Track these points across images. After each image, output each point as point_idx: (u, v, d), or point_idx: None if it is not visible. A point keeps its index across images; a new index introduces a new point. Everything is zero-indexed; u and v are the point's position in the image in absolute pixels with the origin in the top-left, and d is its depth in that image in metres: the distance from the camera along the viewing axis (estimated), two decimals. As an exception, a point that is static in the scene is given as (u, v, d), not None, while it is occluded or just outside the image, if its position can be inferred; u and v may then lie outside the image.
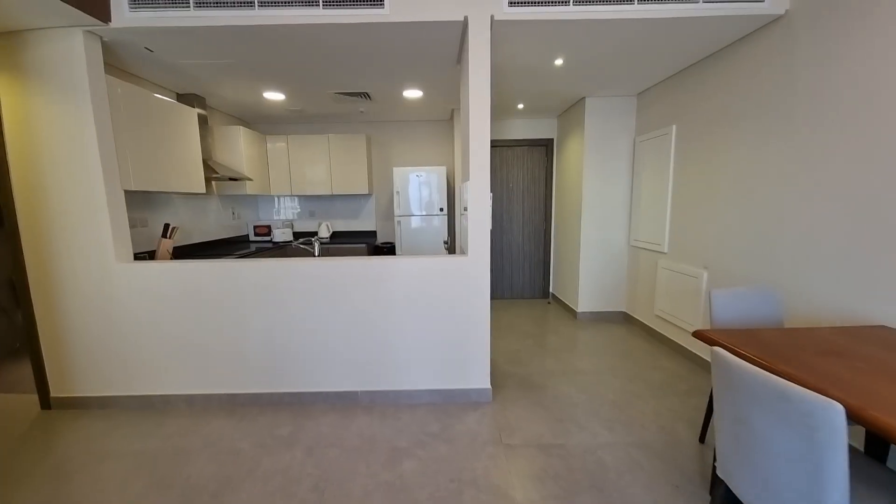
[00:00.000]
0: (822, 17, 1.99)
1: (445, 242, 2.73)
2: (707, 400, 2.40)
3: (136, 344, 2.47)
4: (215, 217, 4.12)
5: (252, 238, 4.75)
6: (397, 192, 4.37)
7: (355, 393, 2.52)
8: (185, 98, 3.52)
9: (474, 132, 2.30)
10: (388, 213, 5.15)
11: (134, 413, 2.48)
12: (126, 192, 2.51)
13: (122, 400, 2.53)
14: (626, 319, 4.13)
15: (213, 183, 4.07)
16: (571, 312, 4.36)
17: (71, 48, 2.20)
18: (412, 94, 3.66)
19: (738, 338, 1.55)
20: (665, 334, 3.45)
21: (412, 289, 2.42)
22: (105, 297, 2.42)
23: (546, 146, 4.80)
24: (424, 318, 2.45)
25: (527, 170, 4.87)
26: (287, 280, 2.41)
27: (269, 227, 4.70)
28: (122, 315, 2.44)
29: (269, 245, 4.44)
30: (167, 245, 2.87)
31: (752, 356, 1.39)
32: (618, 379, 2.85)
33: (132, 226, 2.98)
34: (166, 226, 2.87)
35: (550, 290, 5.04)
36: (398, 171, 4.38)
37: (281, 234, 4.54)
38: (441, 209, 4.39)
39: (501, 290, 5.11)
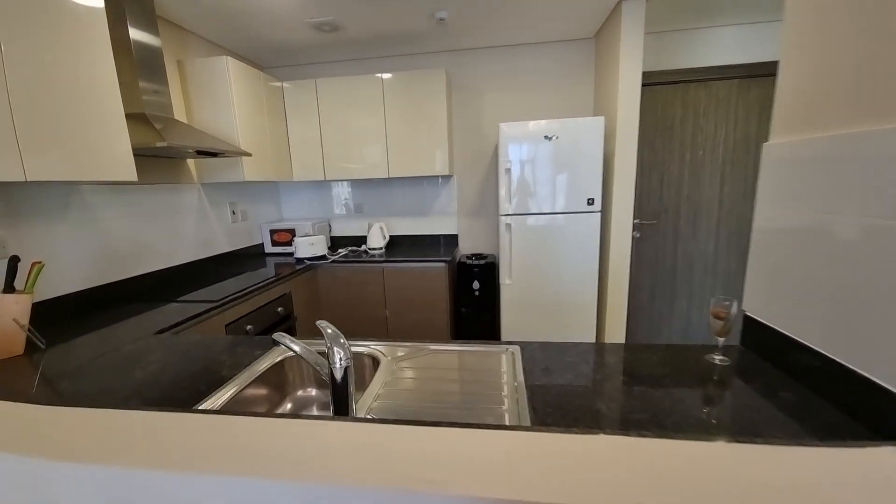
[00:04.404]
0: None
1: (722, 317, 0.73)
2: None
3: None
4: (197, 220, 2.43)
5: (269, 249, 3.06)
6: (507, 170, 2.38)
7: None
8: (106, -7, 1.77)
9: None
10: (478, 208, 3.19)
11: None
12: None
13: None
14: None
15: (191, 163, 2.37)
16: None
17: None
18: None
19: None
20: None
21: None
22: None
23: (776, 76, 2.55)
24: None
25: (732, 122, 2.68)
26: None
27: (293, 231, 2.98)
28: None
29: (293, 261, 2.72)
30: (17, 308, 1.17)
31: None
32: None
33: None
34: (13, 261, 1.19)
35: (763, 336, 2.87)
36: (509, 130, 2.36)
37: (308, 247, 2.75)
38: (590, 201, 2.34)
39: (669, 333, 3.04)
